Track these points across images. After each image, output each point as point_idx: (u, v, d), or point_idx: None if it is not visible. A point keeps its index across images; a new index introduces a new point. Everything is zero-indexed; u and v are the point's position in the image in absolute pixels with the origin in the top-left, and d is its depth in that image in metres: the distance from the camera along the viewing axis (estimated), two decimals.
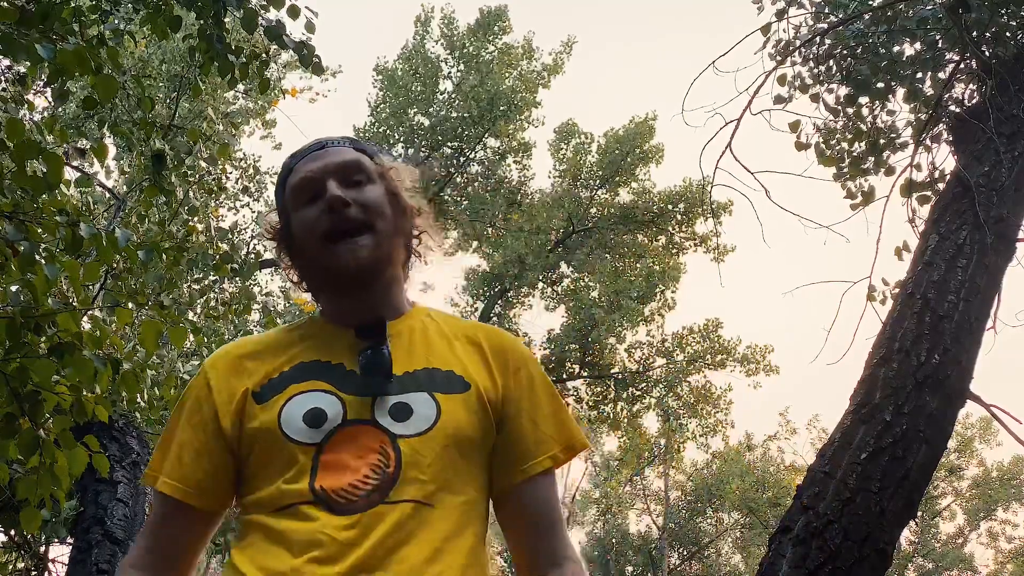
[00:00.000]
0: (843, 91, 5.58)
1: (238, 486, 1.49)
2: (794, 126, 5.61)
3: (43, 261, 2.97)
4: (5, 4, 3.24)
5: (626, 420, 16.52)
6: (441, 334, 1.57)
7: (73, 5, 3.84)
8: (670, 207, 16.92)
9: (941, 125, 5.20)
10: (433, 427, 1.43)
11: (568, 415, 1.57)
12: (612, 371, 16.39)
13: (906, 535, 24.63)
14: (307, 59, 4.25)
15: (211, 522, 1.52)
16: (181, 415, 1.52)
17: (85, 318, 3.34)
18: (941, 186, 4.93)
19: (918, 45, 5.42)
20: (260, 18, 4.06)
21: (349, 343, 1.51)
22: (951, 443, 23.28)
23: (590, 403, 16.66)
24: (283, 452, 1.41)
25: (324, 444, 1.41)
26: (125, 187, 9.56)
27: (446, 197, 16.33)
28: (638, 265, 17.13)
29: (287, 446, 1.41)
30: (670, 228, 17.05)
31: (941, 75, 5.34)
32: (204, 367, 1.55)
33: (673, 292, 16.86)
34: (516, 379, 1.55)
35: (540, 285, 17.18)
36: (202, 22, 4.15)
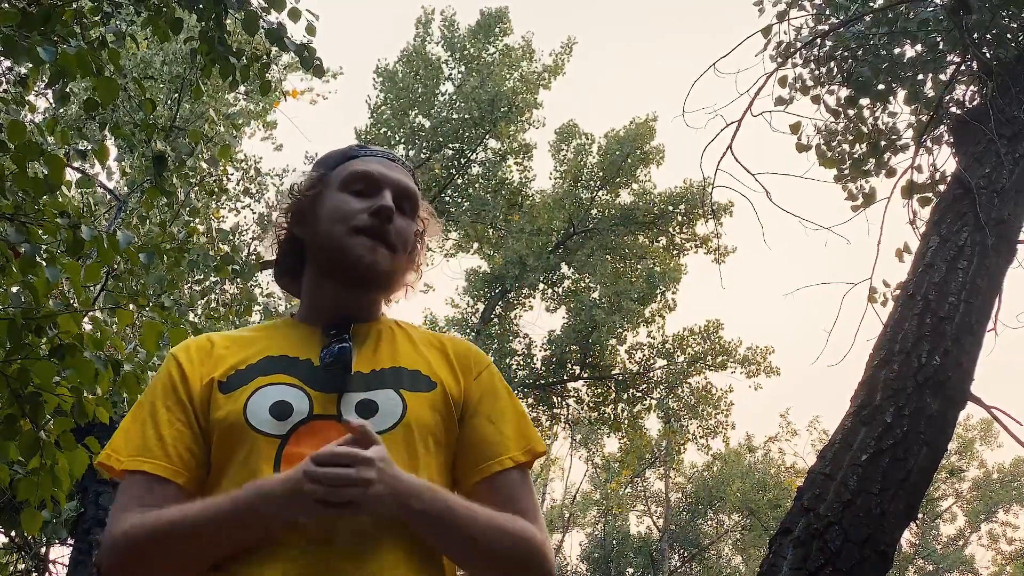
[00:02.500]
0: (844, 93, 5.59)
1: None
2: (795, 128, 5.61)
3: (44, 263, 2.97)
4: (6, 6, 3.24)
5: (627, 421, 16.52)
6: (407, 338, 1.60)
7: (74, 7, 3.84)
8: (671, 208, 16.91)
9: (942, 127, 5.20)
10: (398, 424, 1.44)
11: (528, 421, 1.59)
12: (613, 372, 16.39)
13: (907, 537, 24.62)
14: (308, 61, 4.25)
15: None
16: (155, 399, 1.50)
17: (86, 319, 3.34)
18: (942, 188, 4.93)
19: (919, 47, 5.43)
20: (261, 20, 4.07)
21: (317, 340, 1.52)
22: (952, 445, 23.26)
23: (590, 404, 16.66)
24: (247, 442, 1.41)
25: (288, 437, 1.41)
26: (126, 188, 9.56)
27: (447, 198, 16.34)
28: (639, 266, 17.13)
29: (251, 436, 1.41)
30: (671, 229, 17.05)
31: (942, 77, 5.34)
32: (174, 353, 1.55)
33: (674, 293, 16.86)
34: (478, 382, 1.57)
35: (541, 286, 17.18)
36: (203, 24, 4.16)
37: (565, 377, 16.57)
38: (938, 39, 5.26)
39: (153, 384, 1.54)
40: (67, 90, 4.46)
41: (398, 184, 1.58)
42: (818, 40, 5.55)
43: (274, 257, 1.68)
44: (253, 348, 1.53)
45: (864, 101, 5.59)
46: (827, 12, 5.77)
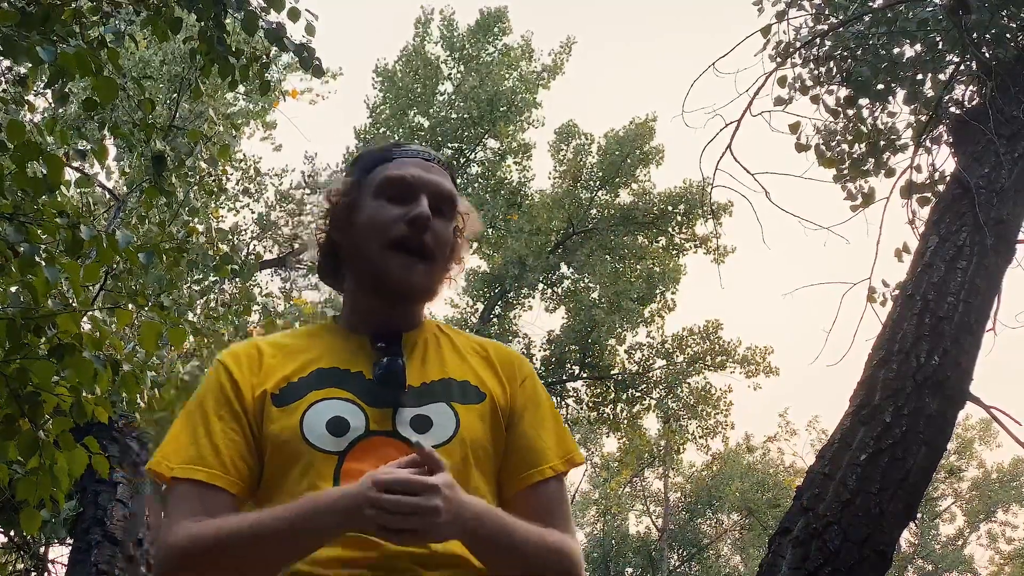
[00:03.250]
0: (843, 92, 5.59)
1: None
2: (794, 127, 5.61)
3: (43, 263, 2.97)
4: (6, 6, 3.24)
5: (626, 421, 16.52)
6: (452, 346, 1.59)
7: (74, 7, 3.84)
8: (670, 208, 16.90)
9: (941, 127, 5.20)
10: (453, 438, 1.45)
11: (565, 429, 1.60)
12: (612, 372, 16.39)
13: (906, 536, 24.63)
14: (307, 61, 4.25)
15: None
16: (207, 407, 1.49)
17: (85, 319, 3.34)
18: (941, 188, 4.93)
19: (918, 47, 5.43)
20: (261, 20, 4.07)
21: (366, 351, 1.51)
22: (951, 445, 23.26)
23: (590, 404, 16.65)
24: (303, 458, 1.41)
25: (346, 453, 1.42)
26: (125, 188, 9.57)
27: None
28: (638, 266, 17.12)
29: (308, 452, 1.41)
30: (670, 229, 17.04)
31: (941, 77, 5.34)
32: (223, 361, 1.53)
33: (673, 293, 16.86)
34: (522, 389, 1.57)
35: (540, 286, 17.17)
36: (203, 24, 4.16)
37: (564, 377, 16.57)
38: (937, 39, 5.26)
39: (203, 391, 1.52)
40: (66, 90, 4.46)
41: (434, 187, 1.55)
42: (817, 40, 5.55)
43: (315, 259, 1.65)
44: (302, 359, 1.52)
45: (863, 101, 5.59)
46: (826, 12, 5.77)
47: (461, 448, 1.45)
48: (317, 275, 1.67)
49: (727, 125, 5.14)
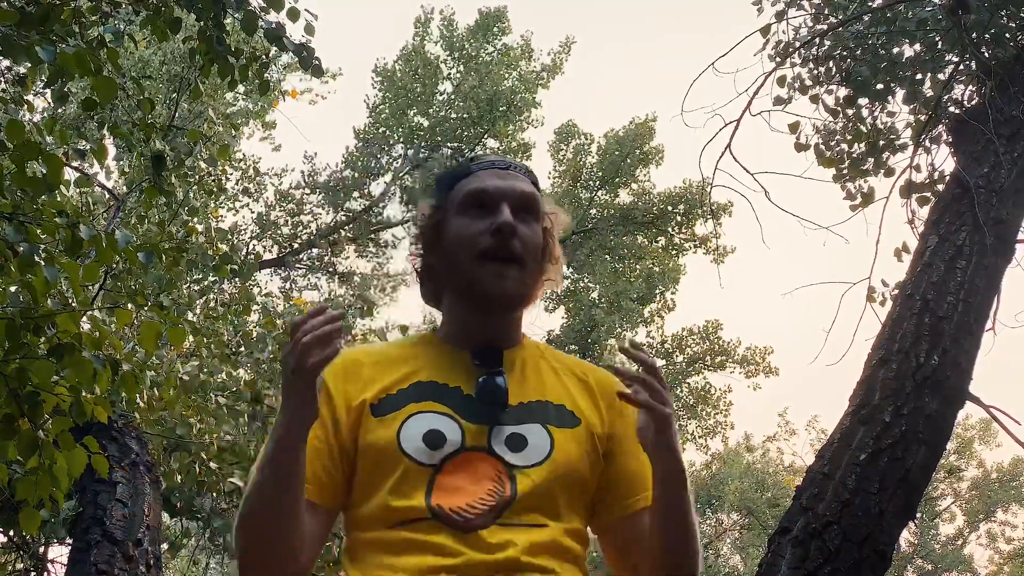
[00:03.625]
0: (843, 92, 5.58)
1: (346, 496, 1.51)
2: (794, 127, 5.61)
3: (42, 262, 2.97)
4: (5, 5, 3.24)
5: None
6: (551, 368, 1.60)
7: (73, 7, 3.84)
8: (670, 208, 16.92)
9: (941, 126, 5.19)
10: (547, 459, 1.46)
11: None
12: None
13: (906, 536, 24.63)
14: (307, 61, 4.25)
15: (329, 521, 1.52)
16: None
17: (84, 319, 3.34)
18: (940, 187, 4.93)
19: (918, 46, 5.43)
20: (260, 20, 4.07)
21: (466, 367, 1.53)
22: (951, 444, 23.27)
23: None
24: (398, 468, 1.43)
25: (441, 467, 1.43)
26: (125, 188, 9.57)
27: None
28: (638, 266, 17.14)
29: (404, 463, 1.43)
30: (670, 229, 17.05)
31: (941, 76, 5.34)
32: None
33: (673, 293, 16.88)
34: (623, 418, 1.57)
35: None
36: (202, 24, 4.16)
37: None
38: (937, 39, 5.26)
39: None
40: (65, 89, 4.46)
41: (513, 192, 1.56)
42: (817, 40, 5.55)
43: (416, 284, 1.69)
44: (402, 370, 1.54)
45: (863, 101, 5.59)
46: (826, 12, 5.77)
47: (554, 470, 1.46)
48: (422, 300, 1.71)
49: (726, 125, 5.14)
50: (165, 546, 6.19)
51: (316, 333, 1.31)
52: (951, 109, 5.13)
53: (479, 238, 1.52)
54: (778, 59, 5.52)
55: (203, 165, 7.47)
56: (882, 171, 5.60)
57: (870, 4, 5.62)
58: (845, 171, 5.66)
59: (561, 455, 1.47)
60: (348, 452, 1.48)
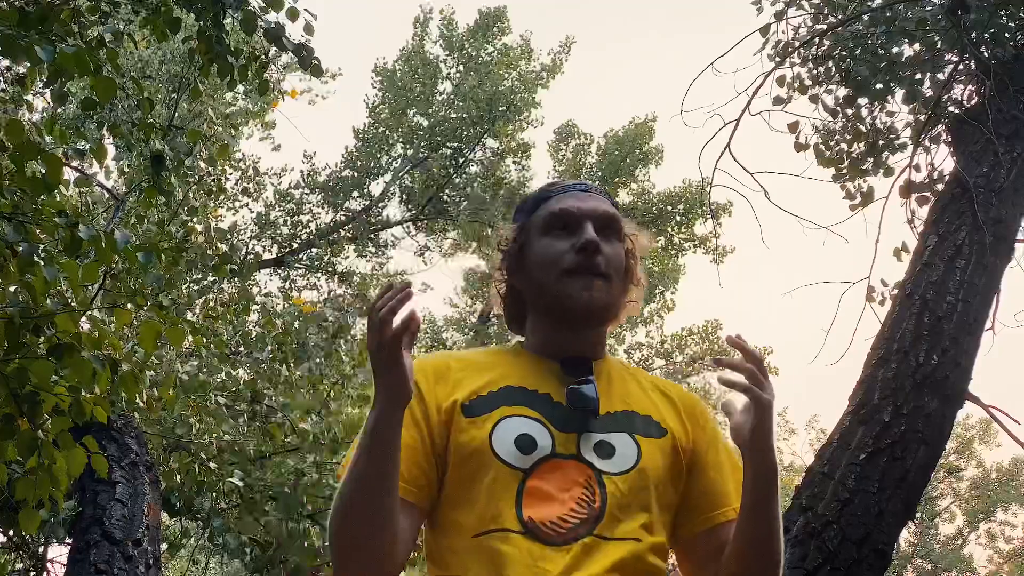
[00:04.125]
0: (842, 92, 5.58)
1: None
2: (793, 127, 5.61)
3: (42, 262, 2.97)
4: (4, 5, 3.24)
5: None
6: (637, 382, 1.64)
7: (72, 6, 3.84)
8: (669, 208, 16.91)
9: (940, 126, 5.19)
10: (635, 467, 1.49)
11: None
12: None
13: (905, 536, 24.63)
14: (306, 61, 4.25)
15: (420, 521, 1.52)
16: None
17: (84, 319, 3.34)
18: (940, 187, 4.92)
19: (917, 46, 5.42)
20: (259, 20, 4.07)
21: (556, 375, 1.56)
22: (951, 444, 23.26)
23: None
24: (490, 470, 1.45)
25: (532, 471, 1.45)
26: (124, 188, 9.56)
27: (445, 198, 16.33)
28: None
29: (496, 465, 1.45)
30: (669, 229, 17.04)
31: (940, 76, 5.34)
32: None
33: (673, 293, 16.88)
34: (704, 432, 1.61)
35: None
36: (201, 24, 4.16)
37: None
38: (936, 38, 5.26)
39: None
40: (65, 89, 4.46)
41: (596, 213, 1.60)
42: (816, 39, 5.55)
43: (501, 309, 1.72)
44: (492, 374, 1.56)
45: (862, 100, 5.59)
46: (825, 11, 5.77)
47: (641, 478, 1.48)
48: (505, 323, 1.73)
49: (726, 125, 5.14)
50: (165, 546, 6.19)
51: (390, 304, 1.32)
52: (951, 109, 5.12)
53: (564, 256, 1.56)
54: (777, 59, 5.52)
55: (203, 165, 7.47)
56: (881, 171, 5.60)
57: (869, 4, 5.62)
58: (844, 171, 5.66)
59: (648, 463, 1.50)
60: (440, 451, 1.50)
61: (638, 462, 1.49)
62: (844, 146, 5.71)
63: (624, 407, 1.56)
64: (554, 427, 1.49)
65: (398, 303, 1.32)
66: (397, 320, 1.32)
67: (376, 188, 16.28)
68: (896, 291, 4.51)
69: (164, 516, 5.73)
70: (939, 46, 5.29)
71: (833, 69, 5.60)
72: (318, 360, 6.31)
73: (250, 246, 13.81)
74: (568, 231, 1.58)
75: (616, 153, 17.12)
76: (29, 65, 3.37)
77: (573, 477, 1.44)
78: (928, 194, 5.01)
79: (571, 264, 1.55)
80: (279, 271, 15.10)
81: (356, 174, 16.06)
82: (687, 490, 1.56)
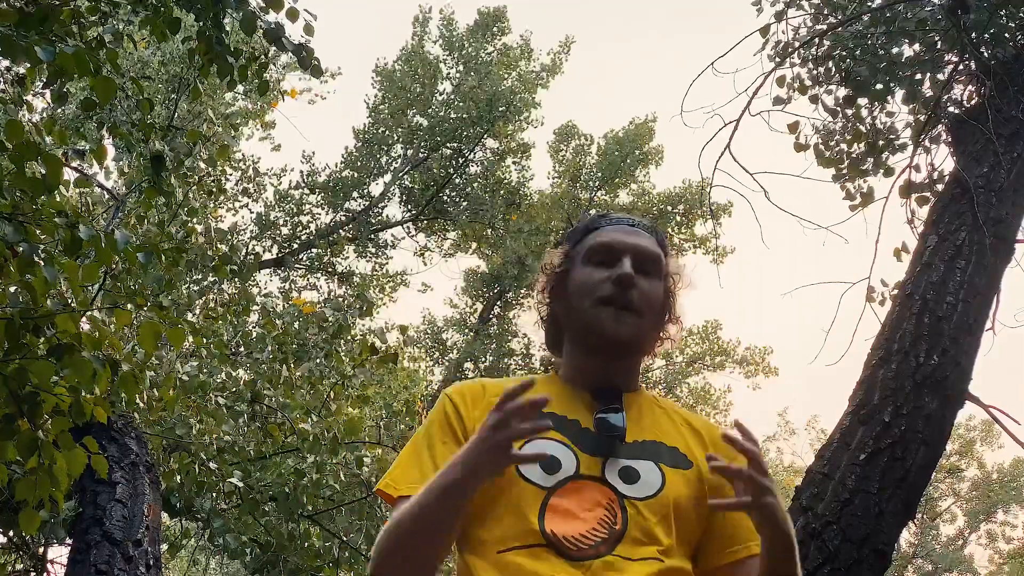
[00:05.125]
0: (842, 92, 5.58)
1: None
2: (793, 127, 5.61)
3: (42, 262, 2.97)
4: (4, 6, 3.24)
5: None
6: (666, 414, 1.68)
7: (72, 7, 3.84)
8: (669, 209, 16.92)
9: (940, 126, 5.19)
10: (658, 493, 1.52)
11: None
12: None
13: (906, 536, 24.62)
14: (306, 61, 4.25)
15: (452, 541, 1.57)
16: (432, 435, 1.60)
17: (84, 319, 3.34)
18: (940, 187, 4.92)
19: (917, 46, 5.42)
20: (259, 20, 4.07)
21: (586, 403, 1.61)
22: (953, 445, 23.25)
23: None
24: (514, 489, 1.50)
25: (554, 490, 1.49)
26: (124, 188, 9.56)
27: (445, 198, 16.33)
28: None
29: (520, 483, 1.50)
30: (669, 230, 17.05)
31: (940, 76, 5.34)
32: (448, 394, 1.65)
33: None
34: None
35: None
36: (201, 24, 4.16)
37: None
38: (936, 39, 5.26)
39: (430, 421, 1.64)
40: (65, 90, 4.46)
41: (637, 249, 1.66)
42: (816, 40, 5.55)
43: (543, 332, 1.78)
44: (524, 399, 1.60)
45: (862, 101, 5.59)
46: (825, 12, 5.77)
47: (664, 506, 1.51)
48: (545, 345, 1.80)
49: (726, 125, 5.14)
50: (165, 546, 6.19)
51: (523, 411, 1.38)
52: (950, 109, 5.12)
53: (600, 285, 1.62)
54: (777, 59, 5.51)
55: (202, 165, 7.46)
56: (881, 171, 5.60)
57: (869, 4, 5.62)
58: (844, 171, 5.66)
59: (672, 492, 1.53)
60: None
61: (661, 489, 1.52)
62: (844, 146, 5.71)
63: (652, 437, 1.60)
64: (580, 450, 1.54)
65: (530, 413, 1.39)
66: (528, 425, 1.38)
67: (376, 188, 16.29)
68: (896, 291, 4.51)
69: (164, 517, 5.73)
70: (939, 46, 5.28)
71: (833, 69, 5.60)
72: (318, 360, 6.31)
73: (250, 246, 13.81)
74: (608, 263, 1.64)
75: (616, 153, 17.13)
76: (29, 65, 3.37)
77: (596, 498, 1.49)
78: (928, 194, 5.01)
79: (605, 294, 1.61)
80: (279, 271, 15.10)
81: (356, 174, 16.06)
82: (711, 523, 1.58)
